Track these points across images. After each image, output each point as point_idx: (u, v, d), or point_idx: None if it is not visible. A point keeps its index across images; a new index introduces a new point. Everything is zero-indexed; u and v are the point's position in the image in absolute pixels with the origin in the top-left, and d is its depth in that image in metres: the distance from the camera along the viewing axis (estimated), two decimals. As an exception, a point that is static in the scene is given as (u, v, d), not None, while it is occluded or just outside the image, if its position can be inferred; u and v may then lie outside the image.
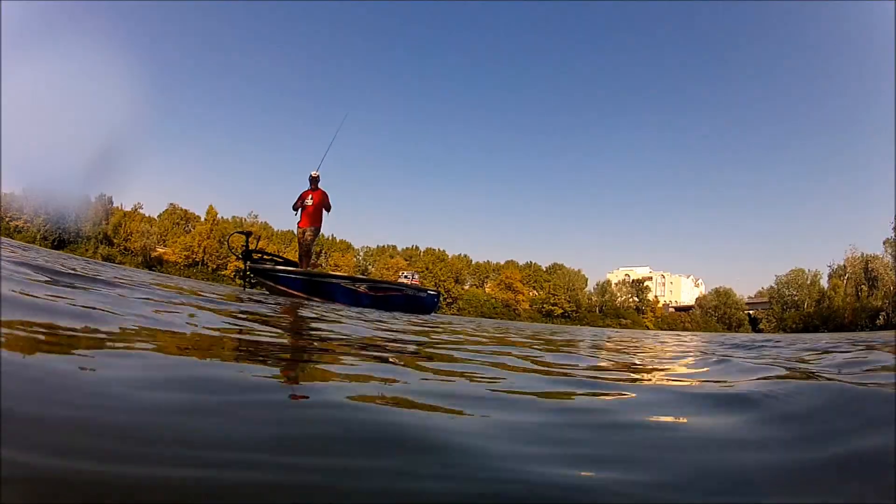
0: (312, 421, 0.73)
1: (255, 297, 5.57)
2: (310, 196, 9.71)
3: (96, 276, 3.58)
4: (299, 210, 9.77)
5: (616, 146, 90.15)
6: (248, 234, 9.93)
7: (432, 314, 10.69)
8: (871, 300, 45.91)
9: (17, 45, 42.79)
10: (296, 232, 9.87)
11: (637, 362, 2.57)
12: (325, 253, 52.60)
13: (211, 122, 78.34)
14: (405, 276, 17.60)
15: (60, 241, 44.37)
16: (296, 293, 8.88)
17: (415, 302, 10.15)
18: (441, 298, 14.56)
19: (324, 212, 9.77)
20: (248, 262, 9.44)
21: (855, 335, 10.27)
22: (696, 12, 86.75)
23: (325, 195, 9.80)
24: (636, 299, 60.20)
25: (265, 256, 10.28)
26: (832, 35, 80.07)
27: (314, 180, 9.80)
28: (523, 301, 56.51)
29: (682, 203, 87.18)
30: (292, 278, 9.09)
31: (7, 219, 43.05)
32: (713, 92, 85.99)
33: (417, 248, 58.23)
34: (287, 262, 9.88)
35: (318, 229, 9.85)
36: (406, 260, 55.21)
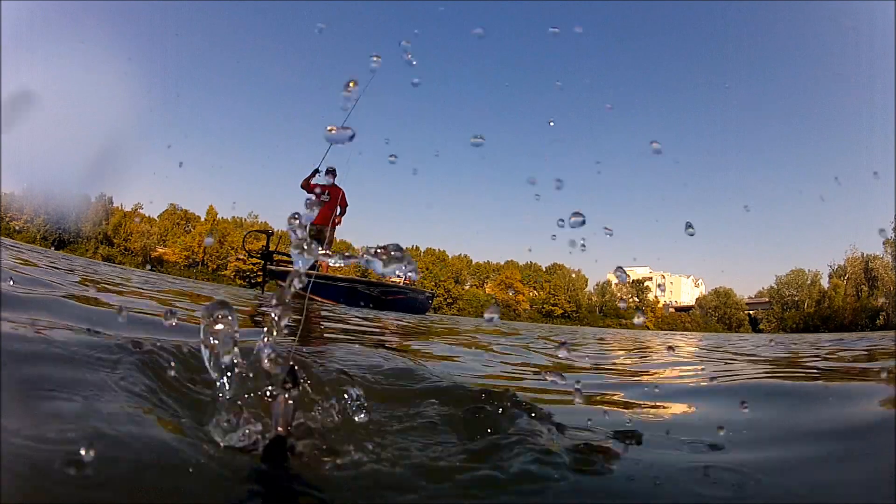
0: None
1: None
2: (326, 192, 9.31)
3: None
4: (313, 203, 9.41)
5: (616, 146, 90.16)
6: (270, 234, 9.64)
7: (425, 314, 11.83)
8: (871, 300, 45.93)
9: (18, 44, 42.81)
10: (307, 229, 9.58)
11: None
12: (325, 253, 52.56)
13: (211, 122, 78.33)
14: (397, 275, 18.38)
15: (60, 242, 44.36)
16: (315, 297, 8.67)
17: (414, 303, 11.35)
18: (434, 299, 15.84)
19: (338, 210, 9.46)
20: (267, 264, 9.19)
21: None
22: (695, 11, 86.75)
23: (343, 193, 9.45)
24: (636, 300, 60.20)
25: (285, 258, 10.16)
26: (832, 34, 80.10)
27: (332, 174, 9.35)
28: (523, 301, 56.51)
29: (681, 203, 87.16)
30: (317, 283, 8.87)
31: (7, 219, 43.05)
32: (713, 91, 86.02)
33: (418, 248, 58.25)
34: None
35: (335, 227, 9.59)
36: (406, 260, 55.16)
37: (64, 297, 2.21)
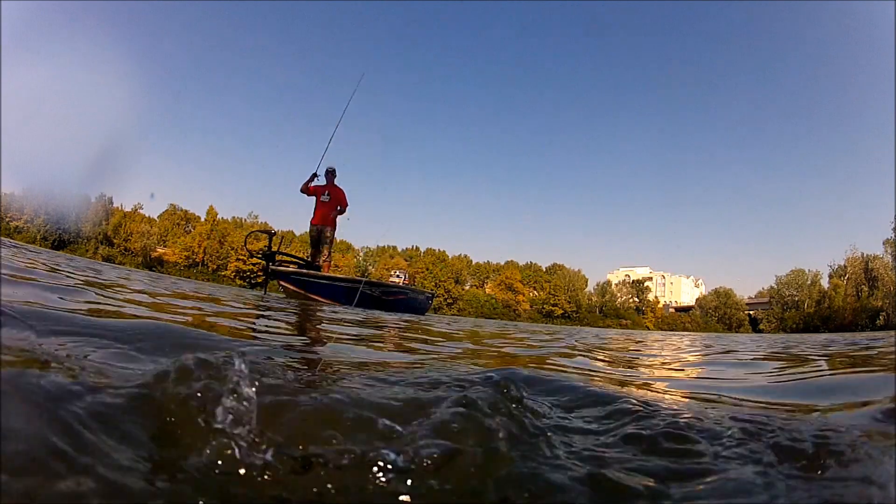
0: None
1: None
2: (326, 192, 9.40)
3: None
4: (313, 205, 9.44)
5: (616, 146, 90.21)
6: (272, 234, 9.54)
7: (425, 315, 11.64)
8: (872, 300, 45.91)
9: (18, 44, 42.80)
10: (308, 229, 9.58)
11: None
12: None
13: (211, 122, 78.33)
14: (397, 276, 18.40)
15: (60, 242, 44.35)
16: (317, 297, 8.59)
17: (415, 303, 11.39)
18: (434, 299, 15.83)
19: (338, 209, 9.49)
20: (270, 264, 9.06)
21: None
22: (695, 11, 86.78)
23: (342, 193, 9.51)
24: (636, 300, 60.19)
25: (287, 258, 10.05)
26: (832, 34, 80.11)
27: (331, 174, 9.45)
28: (523, 301, 56.49)
29: (682, 203, 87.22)
30: (319, 283, 8.86)
31: (7, 219, 43.03)
32: (713, 91, 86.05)
33: (418, 248, 58.25)
34: (309, 265, 9.56)
35: (335, 227, 9.59)
36: (406, 260, 55.18)
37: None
